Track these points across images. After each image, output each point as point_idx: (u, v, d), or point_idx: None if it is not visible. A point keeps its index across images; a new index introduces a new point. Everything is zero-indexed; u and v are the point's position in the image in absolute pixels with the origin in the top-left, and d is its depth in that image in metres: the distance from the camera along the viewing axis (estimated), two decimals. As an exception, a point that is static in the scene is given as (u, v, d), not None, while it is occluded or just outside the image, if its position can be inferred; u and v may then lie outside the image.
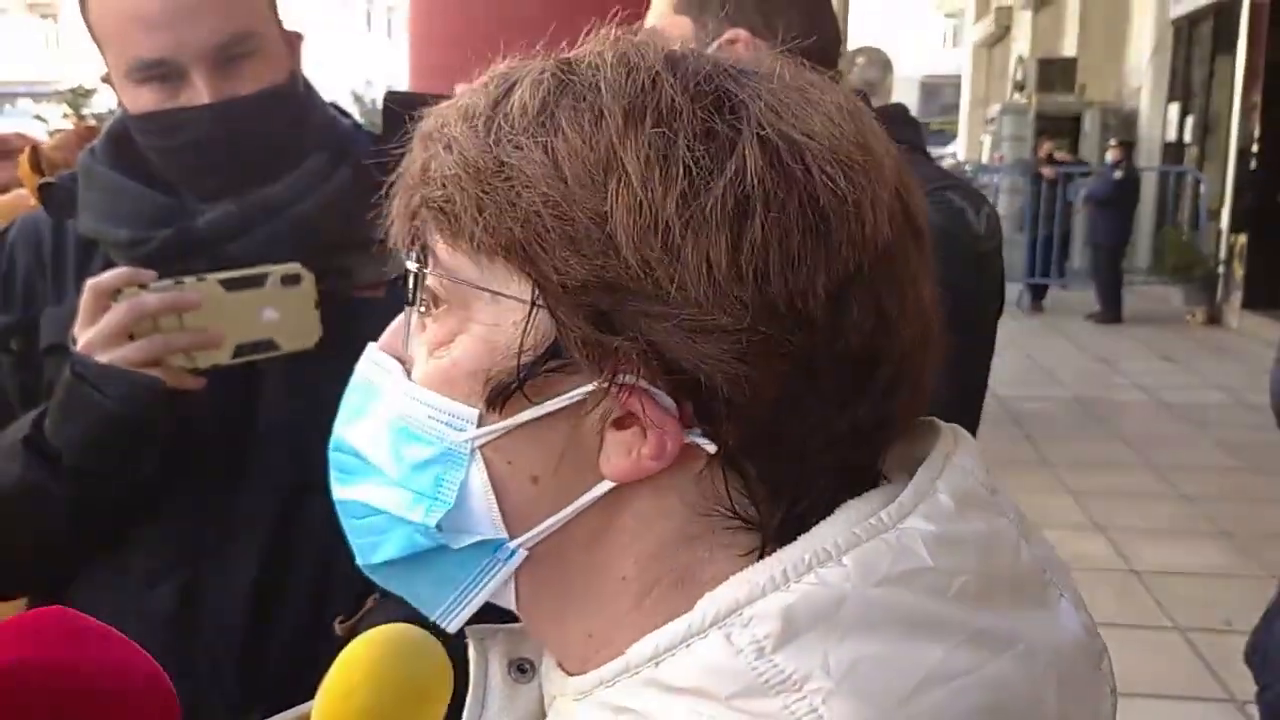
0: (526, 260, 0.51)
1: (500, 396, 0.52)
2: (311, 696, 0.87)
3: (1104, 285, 11.05)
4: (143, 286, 1.13)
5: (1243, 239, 10.73)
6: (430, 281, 0.56)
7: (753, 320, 0.49)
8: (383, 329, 1.25)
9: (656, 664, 0.51)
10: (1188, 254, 11.13)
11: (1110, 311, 10.86)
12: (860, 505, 0.53)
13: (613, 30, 0.56)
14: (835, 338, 0.51)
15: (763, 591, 0.49)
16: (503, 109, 0.53)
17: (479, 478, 0.54)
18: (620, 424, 0.52)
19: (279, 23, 1.28)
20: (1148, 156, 13.36)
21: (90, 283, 1.14)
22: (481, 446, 0.54)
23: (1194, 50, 13.06)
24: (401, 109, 1.32)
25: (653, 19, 1.42)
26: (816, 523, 0.52)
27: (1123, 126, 13.73)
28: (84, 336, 1.13)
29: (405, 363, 0.59)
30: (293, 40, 1.31)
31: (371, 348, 0.62)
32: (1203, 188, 11.92)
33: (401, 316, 0.60)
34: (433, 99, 1.43)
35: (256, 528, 1.22)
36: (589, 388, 0.51)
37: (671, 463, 0.52)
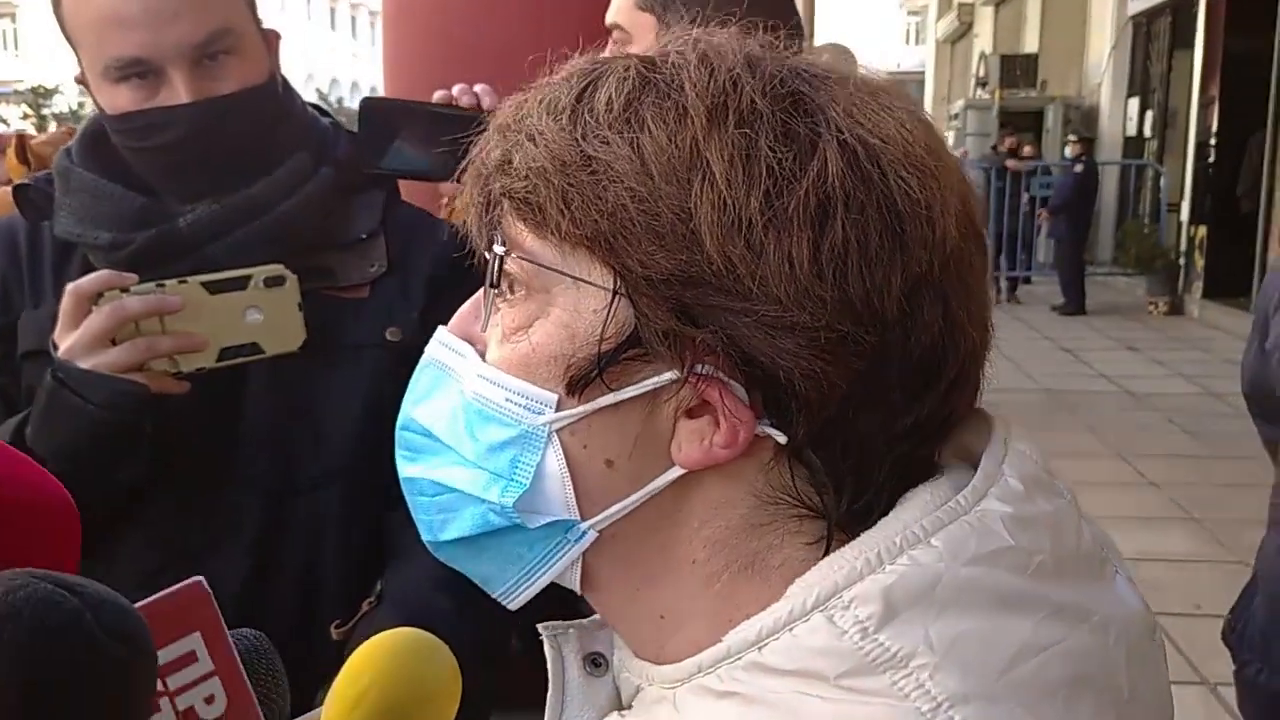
0: (610, 252, 0.52)
1: (580, 382, 0.54)
2: (302, 698, 0.87)
3: (1067, 277, 11.21)
4: (124, 290, 1.12)
5: (1203, 231, 10.91)
6: (509, 267, 0.57)
7: (830, 318, 0.51)
8: (366, 329, 1.27)
9: (760, 648, 0.52)
10: (1149, 246, 11.31)
11: (1074, 303, 11.02)
12: (933, 491, 0.55)
13: (693, 31, 0.58)
14: (907, 337, 0.53)
15: (860, 574, 0.51)
16: (587, 104, 0.54)
17: (555, 460, 0.56)
18: (692, 412, 0.54)
19: (257, 21, 1.26)
20: (1109, 150, 13.55)
21: (70, 287, 1.12)
22: (558, 430, 0.55)
23: (1152, 45, 13.24)
24: (379, 114, 1.32)
25: (614, 15, 1.41)
26: (878, 511, 0.54)
27: (1084, 121, 13.92)
28: (65, 342, 1.11)
29: (477, 345, 0.60)
30: (271, 39, 1.29)
31: (441, 330, 0.63)
32: (1163, 181, 12.09)
33: (474, 300, 0.61)
34: (411, 104, 1.43)
35: (242, 531, 1.21)
36: (667, 377, 0.53)
37: (741, 451, 0.53)
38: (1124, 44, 13.66)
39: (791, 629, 0.52)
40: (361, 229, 1.30)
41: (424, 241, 1.32)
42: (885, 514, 0.54)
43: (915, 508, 0.54)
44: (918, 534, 0.52)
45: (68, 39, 1.21)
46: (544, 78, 0.59)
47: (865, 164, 0.52)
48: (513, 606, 0.61)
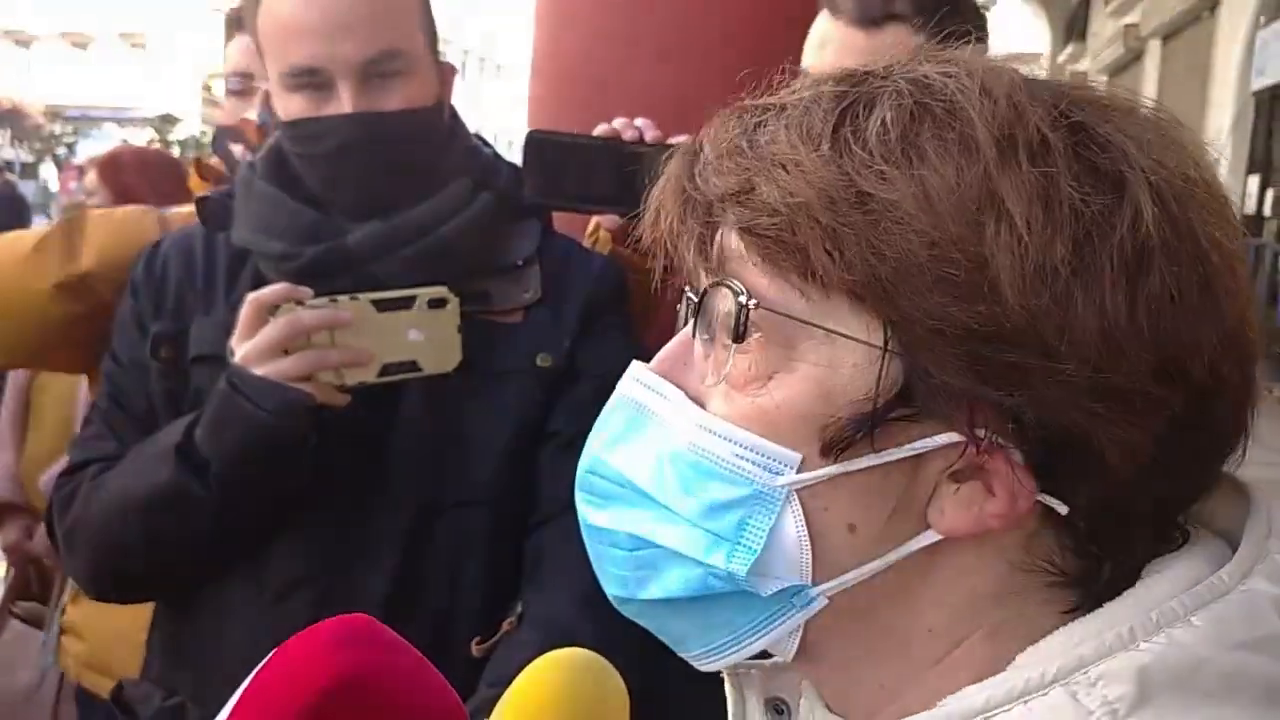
0: (886, 301, 0.48)
1: (839, 444, 0.49)
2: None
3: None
4: (300, 303, 1.16)
5: (1323, 316, 10.48)
6: (725, 306, 0.52)
7: (1145, 380, 0.47)
8: (518, 354, 1.29)
9: (987, 718, 0.48)
10: (1266, 329, 10.86)
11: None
12: (1188, 564, 0.51)
13: (957, 53, 0.53)
14: (1214, 399, 0.48)
15: (1110, 650, 0.47)
16: (853, 131, 0.49)
17: (792, 524, 0.51)
18: (958, 476, 0.49)
19: (435, 52, 1.31)
20: (1225, 228, 13.14)
21: (251, 297, 1.17)
22: (798, 491, 0.51)
23: (1275, 123, 12.87)
24: (544, 146, 1.36)
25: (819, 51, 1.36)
26: (1124, 581, 0.50)
27: (1199, 197, 13.55)
28: (242, 349, 1.16)
29: (687, 390, 0.55)
30: (446, 72, 1.34)
31: (640, 369, 0.57)
32: (1282, 262, 11.68)
33: (682, 340, 0.57)
34: (577, 138, 1.45)
35: (389, 545, 1.24)
36: (941, 440, 0.49)
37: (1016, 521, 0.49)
38: (1244, 120, 13.31)
39: (1026, 701, 0.47)
40: (518, 256, 1.33)
41: (577, 271, 1.34)
42: (1131, 584, 0.50)
43: (1169, 581, 0.49)
44: (1176, 610, 0.48)
45: (259, 50, 1.27)
46: (751, 98, 0.54)
47: (1174, 209, 0.47)
48: (706, 669, 0.57)
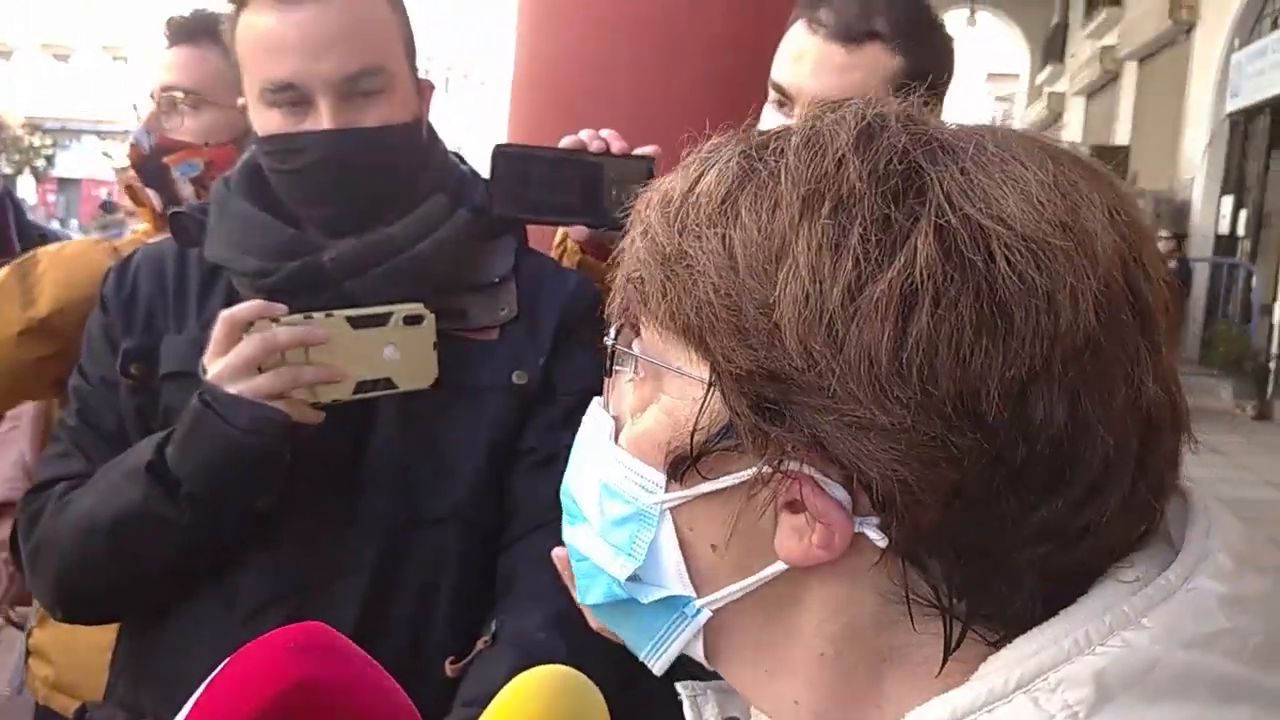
0: (701, 345, 0.53)
1: (678, 468, 0.55)
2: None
3: (1152, 375, 10.93)
4: (274, 320, 1.15)
5: (1296, 335, 10.60)
6: (634, 348, 0.59)
7: (914, 421, 0.47)
8: (494, 371, 1.28)
9: None
10: (1238, 347, 11.00)
11: (1158, 401, 10.72)
12: (1134, 567, 0.52)
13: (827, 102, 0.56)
14: (1015, 441, 0.48)
15: (1068, 656, 0.48)
16: (691, 196, 0.55)
17: (668, 538, 0.57)
18: (793, 506, 0.52)
19: (413, 69, 1.31)
20: (1199, 248, 13.30)
21: (224, 314, 1.16)
22: (670, 509, 0.56)
23: (1249, 144, 13.04)
24: (510, 159, 1.36)
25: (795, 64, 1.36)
26: (1038, 613, 0.51)
27: (1174, 217, 13.70)
28: (215, 366, 1.14)
29: (620, 420, 0.61)
30: (425, 89, 1.34)
31: (597, 402, 0.64)
32: (1255, 281, 11.82)
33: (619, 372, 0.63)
34: (541, 150, 1.46)
35: (363, 565, 1.22)
36: (753, 471, 0.52)
37: (844, 551, 0.51)
38: (1220, 141, 13.48)
39: (991, 710, 0.49)
40: (494, 273, 1.33)
41: (552, 289, 1.34)
42: (1048, 616, 0.50)
43: (1118, 585, 0.51)
44: (1127, 613, 0.49)
45: (238, 64, 1.26)
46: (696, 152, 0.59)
47: (966, 249, 0.47)
48: (656, 671, 0.62)
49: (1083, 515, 0.50)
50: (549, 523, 1.04)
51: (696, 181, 0.55)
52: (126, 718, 1.25)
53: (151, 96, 1.81)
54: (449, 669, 1.15)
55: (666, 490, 0.56)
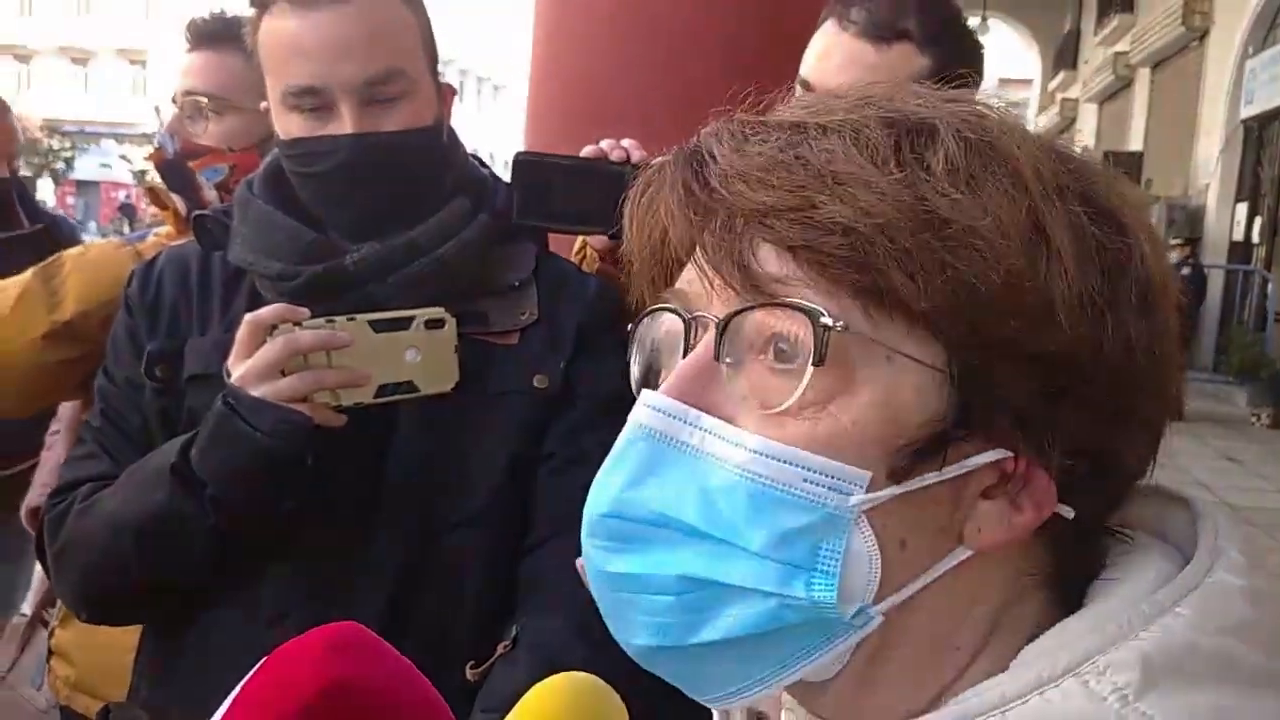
0: (959, 325, 0.49)
1: (908, 462, 0.50)
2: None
3: (1166, 381, 10.88)
4: (297, 324, 1.16)
5: (1312, 342, 10.54)
6: (787, 328, 0.50)
7: (1158, 405, 0.53)
8: (515, 375, 1.29)
9: (1004, 713, 0.50)
10: (1253, 354, 10.94)
11: (1172, 408, 10.68)
12: (1154, 563, 0.55)
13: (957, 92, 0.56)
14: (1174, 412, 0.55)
15: (1113, 641, 0.50)
16: (915, 157, 0.50)
17: (862, 544, 0.50)
18: (989, 493, 0.52)
19: (435, 73, 1.32)
20: (1213, 254, 13.24)
21: (248, 317, 1.16)
22: (865, 510, 0.50)
23: (1264, 151, 12.98)
24: (532, 167, 1.36)
25: (821, 61, 1.38)
26: (1085, 578, 0.56)
27: (1188, 223, 13.65)
28: (238, 369, 1.15)
29: (715, 415, 0.52)
30: (446, 93, 1.35)
31: (657, 397, 0.53)
32: (1270, 288, 11.75)
33: (696, 361, 0.53)
34: (563, 158, 1.46)
35: (384, 568, 1.23)
36: (993, 456, 0.51)
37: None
38: (1234, 147, 13.42)
39: (1042, 693, 0.49)
40: (515, 277, 1.33)
41: (573, 293, 1.35)
42: (1089, 581, 0.56)
43: (1144, 579, 0.54)
44: (1162, 601, 0.51)
45: (263, 69, 1.27)
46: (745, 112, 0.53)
47: (1160, 250, 0.54)
48: (720, 706, 0.55)
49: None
50: (570, 528, 1.03)
51: (904, 142, 0.50)
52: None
53: (174, 100, 1.82)
54: (469, 674, 1.16)
55: (869, 489, 0.50)
